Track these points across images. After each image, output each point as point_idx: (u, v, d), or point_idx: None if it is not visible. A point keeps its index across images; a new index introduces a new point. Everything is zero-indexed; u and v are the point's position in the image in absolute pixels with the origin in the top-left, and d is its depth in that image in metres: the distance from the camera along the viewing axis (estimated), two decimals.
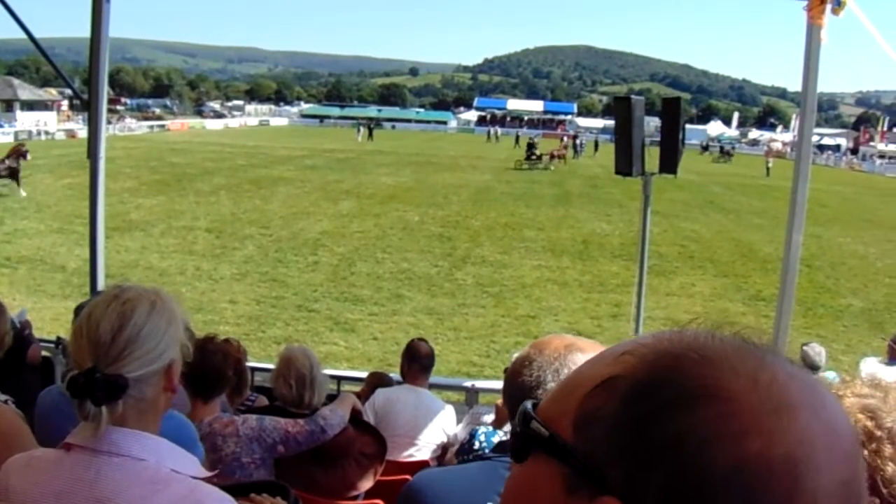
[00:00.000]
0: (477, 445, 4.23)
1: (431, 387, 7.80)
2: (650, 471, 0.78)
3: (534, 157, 61.25)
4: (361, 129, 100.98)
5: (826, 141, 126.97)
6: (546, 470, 0.87)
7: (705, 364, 0.83)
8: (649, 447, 0.79)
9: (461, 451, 4.60)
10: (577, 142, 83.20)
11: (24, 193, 33.26)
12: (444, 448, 6.56)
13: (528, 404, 0.94)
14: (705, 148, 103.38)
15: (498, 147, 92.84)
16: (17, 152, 34.69)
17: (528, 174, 53.87)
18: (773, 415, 0.78)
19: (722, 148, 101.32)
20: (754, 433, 0.77)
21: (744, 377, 0.81)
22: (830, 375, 8.61)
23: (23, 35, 8.49)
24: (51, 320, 14.73)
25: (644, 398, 0.82)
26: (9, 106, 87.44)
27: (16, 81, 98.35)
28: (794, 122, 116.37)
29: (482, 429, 4.49)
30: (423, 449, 6.43)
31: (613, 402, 0.83)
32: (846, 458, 0.80)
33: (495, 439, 4.16)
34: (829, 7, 6.51)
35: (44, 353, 7.25)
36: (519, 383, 2.28)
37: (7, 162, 34.10)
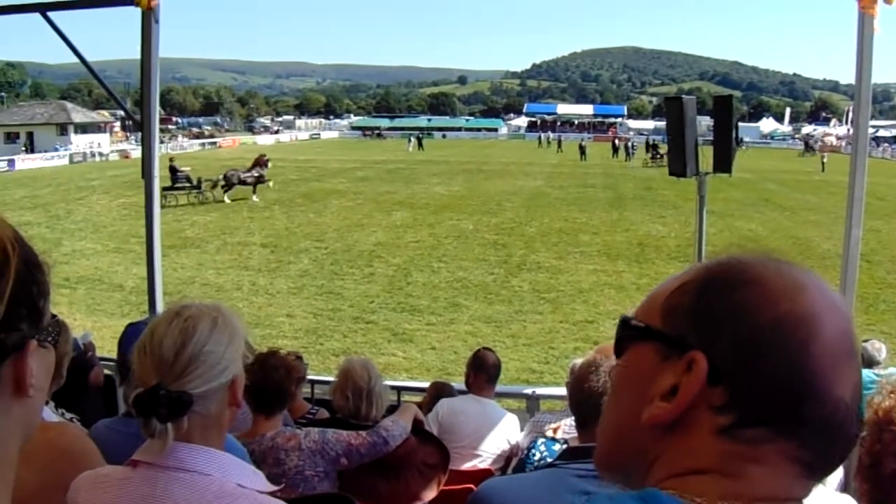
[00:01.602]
0: (538, 456, 4.19)
1: (493, 395, 7.79)
2: (720, 332, 1.12)
3: (658, 156, 65.61)
4: (412, 139, 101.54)
5: (882, 133, 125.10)
6: (644, 352, 1.20)
7: (746, 265, 1.18)
8: (717, 316, 1.13)
9: (520, 465, 4.55)
10: (629, 144, 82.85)
11: (256, 199, 39.44)
12: (507, 457, 6.52)
13: (626, 314, 1.28)
14: (808, 147, 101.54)
15: (549, 152, 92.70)
16: (260, 162, 41.84)
17: (582, 178, 53.66)
18: (793, 289, 1.13)
19: (806, 143, 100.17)
20: (783, 300, 1.11)
21: (772, 269, 1.16)
22: (894, 372, 8.49)
23: (75, 59, 8.60)
24: (111, 339, 14.86)
25: (709, 288, 1.17)
26: (63, 129, 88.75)
27: (69, 105, 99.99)
28: (848, 116, 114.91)
29: (541, 440, 4.45)
30: (486, 459, 6.39)
31: (689, 296, 1.18)
32: (842, 317, 1.14)
33: (556, 448, 4.12)
34: None
35: (106, 371, 7.32)
36: (587, 389, 2.27)
37: (253, 171, 41.08)
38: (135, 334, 4.38)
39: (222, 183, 40.07)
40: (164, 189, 35.08)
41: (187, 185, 40.03)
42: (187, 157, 73.43)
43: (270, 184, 42.08)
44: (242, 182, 40.29)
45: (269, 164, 42.31)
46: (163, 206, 32.65)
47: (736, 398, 1.10)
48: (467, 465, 6.24)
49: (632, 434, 1.20)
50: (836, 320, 1.12)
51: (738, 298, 1.12)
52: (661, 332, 1.19)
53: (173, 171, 39.54)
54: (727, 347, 1.11)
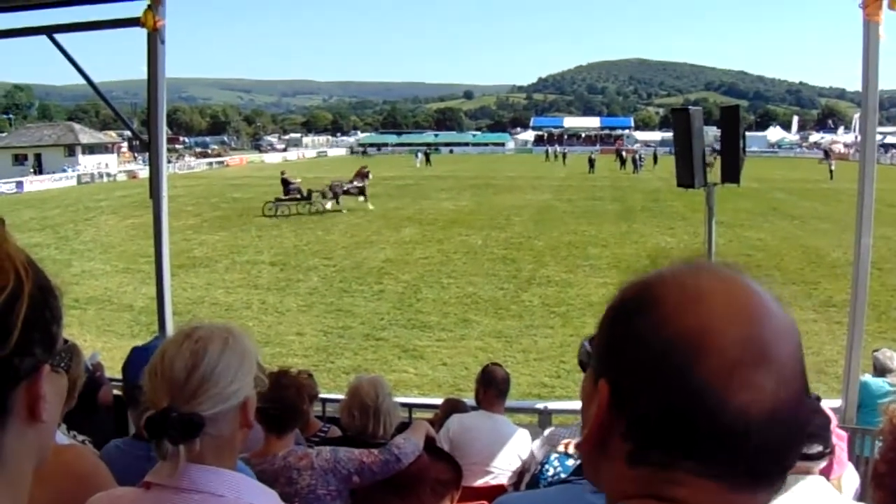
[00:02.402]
0: (551, 472, 4.16)
1: (505, 410, 7.76)
2: (620, 359, 1.14)
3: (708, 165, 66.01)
4: (419, 154, 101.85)
5: (889, 140, 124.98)
6: (587, 377, 1.25)
7: (650, 285, 1.17)
8: (618, 344, 1.16)
9: (533, 481, 4.52)
10: (637, 156, 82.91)
11: (371, 207, 42.71)
12: (519, 473, 6.50)
13: (586, 340, 1.33)
14: (826, 154, 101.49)
15: (557, 166, 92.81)
16: (361, 173, 44.82)
17: (590, 191, 53.64)
18: (687, 304, 1.10)
19: (826, 152, 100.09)
20: (674, 319, 1.09)
21: (675, 285, 1.14)
22: None
23: (82, 81, 8.64)
24: (120, 360, 14.85)
25: (616, 315, 1.20)
26: (71, 150, 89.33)
27: (77, 126, 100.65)
28: (855, 123, 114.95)
29: (555, 455, 4.42)
30: (498, 476, 6.35)
31: (603, 323, 1.23)
32: (746, 322, 1.09)
33: (570, 463, 4.09)
34: (885, 2, 6.42)
35: (116, 391, 7.33)
36: None
37: (356, 182, 44.18)
38: (139, 358, 4.39)
39: (329, 194, 43.09)
40: (276, 199, 42.52)
41: (298, 195, 42.93)
42: (195, 177, 73.93)
43: (371, 206, 43.67)
44: (346, 192, 43.44)
45: (371, 176, 45.45)
46: (275, 216, 39.05)
47: (634, 425, 1.11)
48: (479, 482, 6.22)
49: (587, 457, 1.24)
50: (737, 327, 1.09)
51: (636, 324, 1.13)
52: (583, 360, 1.31)
53: (285, 182, 43.54)
54: (625, 375, 1.13)
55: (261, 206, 42.88)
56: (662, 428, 1.08)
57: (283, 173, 45.78)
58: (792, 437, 1.11)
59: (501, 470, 6.37)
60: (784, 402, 1.08)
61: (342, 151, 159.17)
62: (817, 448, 3.26)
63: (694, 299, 1.11)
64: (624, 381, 1.12)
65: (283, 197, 42.94)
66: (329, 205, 42.54)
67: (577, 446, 1.21)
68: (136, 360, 4.59)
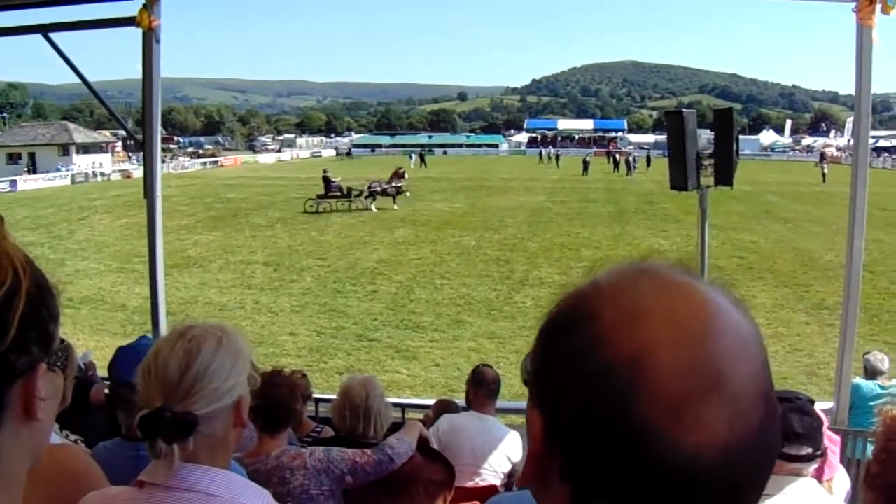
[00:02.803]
0: None
1: (498, 411, 7.75)
2: (550, 386, 1.01)
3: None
4: (413, 156, 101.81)
5: (882, 143, 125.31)
6: (529, 396, 1.08)
7: (586, 297, 1.02)
8: (549, 368, 1.02)
9: None
10: (630, 158, 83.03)
11: (396, 207, 43.86)
12: (510, 475, 6.49)
13: (528, 356, 1.14)
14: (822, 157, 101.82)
15: (550, 168, 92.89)
16: (398, 174, 46.62)
17: (583, 193, 53.67)
18: (626, 322, 0.95)
19: (822, 154, 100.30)
20: (610, 340, 0.94)
21: (607, 300, 0.99)
22: None
23: (76, 80, 8.63)
24: None
25: (548, 332, 1.06)
26: (65, 149, 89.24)
27: (71, 125, 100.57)
28: (848, 127, 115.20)
29: None
30: (488, 478, 6.34)
31: (536, 341, 1.08)
32: (692, 343, 0.93)
33: None
34: (878, 7, 6.45)
35: (107, 390, 7.32)
36: None
37: (393, 183, 45.71)
38: (125, 357, 4.38)
39: (366, 192, 44.49)
40: (318, 196, 44.42)
41: (338, 193, 44.79)
42: (190, 177, 73.88)
43: (408, 193, 46.63)
44: (384, 192, 44.78)
45: (406, 177, 47.61)
46: (317, 212, 42.65)
47: (570, 465, 0.98)
48: (469, 484, 6.20)
49: (532, 492, 1.10)
50: (682, 351, 0.92)
51: (568, 344, 0.99)
52: (526, 380, 1.12)
53: (327, 181, 45.15)
54: (556, 405, 1.00)
55: (255, 207, 43.10)
56: (601, 473, 0.94)
57: (325, 171, 47.33)
58: (754, 474, 0.97)
59: (492, 471, 6.35)
60: (741, 436, 0.93)
61: (335, 152, 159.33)
62: (807, 450, 3.26)
63: (631, 316, 0.95)
64: (554, 411, 0.99)
65: (325, 194, 44.59)
66: (371, 204, 43.82)
67: (518, 482, 1.13)
68: (122, 359, 4.59)
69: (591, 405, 0.93)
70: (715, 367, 0.93)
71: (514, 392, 13.16)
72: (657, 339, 0.93)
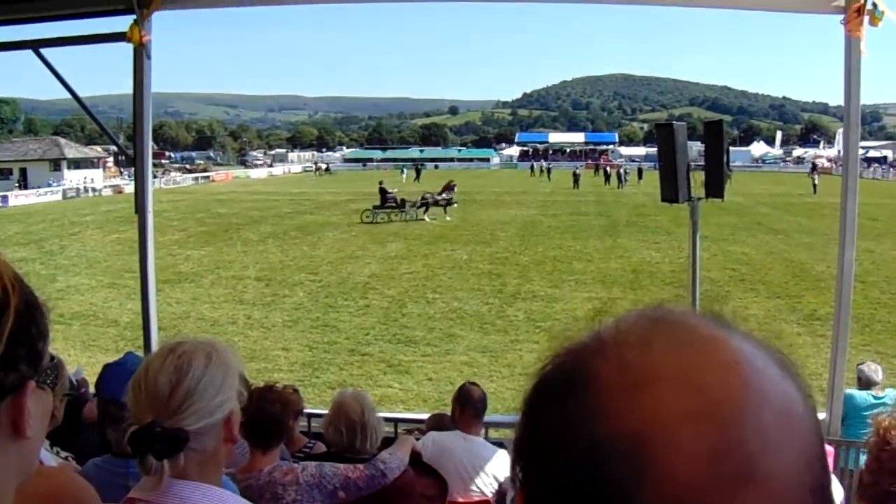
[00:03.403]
0: None
1: (489, 425, 7.72)
2: (537, 464, 0.81)
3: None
4: (405, 170, 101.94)
5: (872, 154, 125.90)
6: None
7: (584, 356, 0.82)
8: (535, 443, 0.82)
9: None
10: (621, 171, 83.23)
11: (449, 218, 45.50)
12: (501, 493, 6.43)
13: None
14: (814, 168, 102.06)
15: (542, 181, 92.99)
16: (449, 186, 49.02)
17: (575, 206, 53.76)
18: (626, 391, 0.74)
19: (813, 165, 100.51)
20: (604, 415, 0.74)
21: (613, 359, 0.78)
22: (891, 394, 8.52)
23: (67, 95, 8.63)
24: None
25: (535, 400, 0.86)
26: (56, 165, 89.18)
27: (62, 141, 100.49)
28: (839, 138, 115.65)
29: None
30: (474, 498, 6.30)
31: (522, 409, 0.87)
32: (716, 423, 0.70)
33: None
34: (866, 18, 6.48)
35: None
36: None
37: (444, 194, 47.98)
38: (112, 374, 4.36)
39: (419, 203, 46.64)
40: (374, 207, 46.06)
41: (394, 205, 46.69)
42: (181, 192, 73.80)
43: (456, 205, 48.58)
44: (436, 203, 46.89)
45: (456, 188, 49.84)
46: (373, 223, 44.25)
47: None
48: (460, 500, 6.16)
49: None
50: (703, 428, 0.70)
51: (557, 413, 0.79)
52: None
53: (383, 192, 47.34)
54: (541, 486, 0.81)
55: (246, 222, 43.17)
56: None
57: (380, 183, 49.33)
58: None
59: (479, 492, 6.30)
60: None
61: (323, 167, 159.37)
62: None
63: (637, 381, 0.75)
64: (539, 495, 0.80)
65: (381, 205, 46.50)
66: (425, 214, 45.86)
67: None
68: (109, 376, 4.56)
69: (581, 492, 0.74)
70: (746, 451, 0.70)
71: (507, 406, 13.16)
72: (669, 411, 0.71)
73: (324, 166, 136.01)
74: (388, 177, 67.63)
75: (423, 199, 46.86)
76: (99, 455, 4.14)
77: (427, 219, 45.06)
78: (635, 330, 0.82)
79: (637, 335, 0.80)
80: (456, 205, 48.71)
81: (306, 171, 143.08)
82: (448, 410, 7.74)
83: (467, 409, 6.62)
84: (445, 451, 6.28)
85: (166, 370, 2.13)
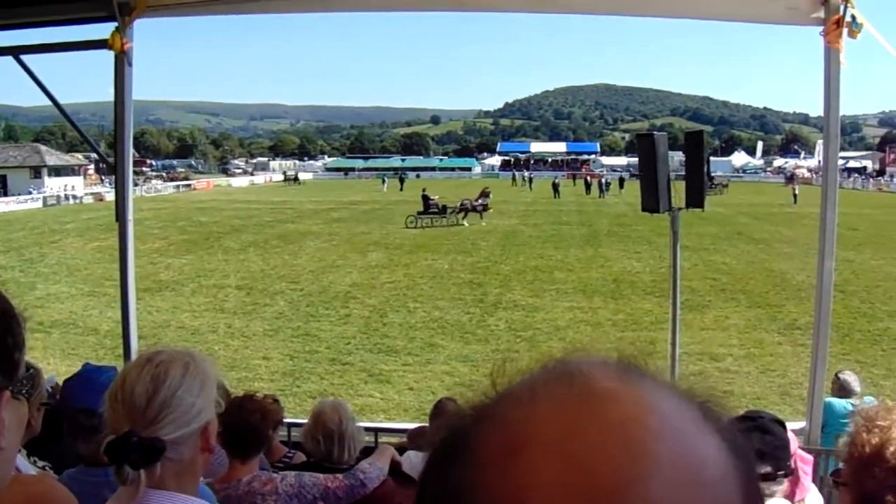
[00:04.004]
0: None
1: None
2: None
3: (713, 185, 73.89)
4: (386, 179, 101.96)
5: (852, 164, 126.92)
6: None
7: (474, 415, 0.76)
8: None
9: None
10: (602, 181, 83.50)
11: (484, 223, 48.25)
12: None
13: None
14: (790, 178, 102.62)
15: (524, 191, 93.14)
16: (484, 193, 52.82)
17: (556, 215, 53.92)
18: (504, 459, 0.68)
19: (789, 176, 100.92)
20: (481, 485, 0.68)
21: (498, 420, 0.72)
22: (869, 402, 8.55)
23: (48, 102, 8.59)
24: None
25: (428, 467, 0.78)
26: (37, 172, 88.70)
27: (43, 148, 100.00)
28: (819, 148, 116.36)
29: None
30: None
31: (421, 475, 0.80)
32: (592, 498, 0.63)
33: None
34: (845, 30, 6.52)
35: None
36: None
37: (480, 200, 51.30)
38: (75, 386, 4.32)
39: (459, 209, 49.92)
40: (418, 213, 49.01)
41: (436, 210, 49.79)
42: (162, 200, 73.64)
43: (491, 210, 51.32)
44: (473, 208, 50.10)
45: (491, 195, 53.22)
46: (416, 227, 46.84)
47: None
48: None
49: None
50: (573, 501, 0.63)
51: (441, 482, 0.73)
52: None
53: (426, 199, 50.72)
54: None
55: (227, 230, 43.17)
56: None
57: (424, 191, 53.56)
58: None
59: None
60: None
61: (309, 176, 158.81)
62: (766, 468, 3.26)
63: (513, 451, 0.68)
64: None
65: (424, 211, 49.55)
66: (464, 219, 49.01)
67: None
68: (73, 388, 4.51)
69: None
70: None
71: None
72: (540, 481, 0.65)
73: (292, 175, 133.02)
74: (370, 186, 67.55)
75: (461, 205, 50.08)
76: (76, 464, 4.12)
77: (466, 223, 47.84)
78: (526, 385, 0.76)
79: (526, 391, 0.74)
80: (491, 210, 51.30)
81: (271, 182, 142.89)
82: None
83: None
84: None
85: (143, 380, 2.12)
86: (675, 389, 0.74)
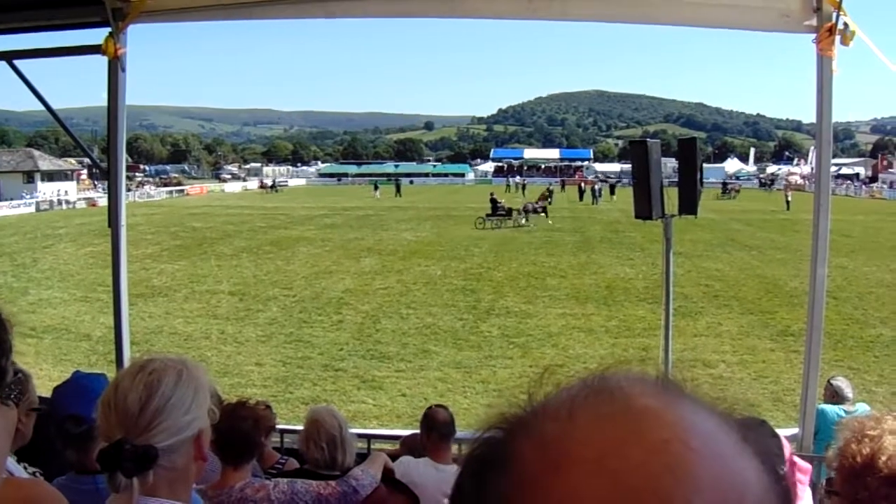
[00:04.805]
0: None
1: (464, 441, 7.68)
2: None
3: (727, 191, 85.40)
4: (379, 186, 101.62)
5: (844, 171, 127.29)
6: None
7: (513, 426, 0.76)
8: None
9: None
10: (595, 188, 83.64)
11: (550, 221, 53.15)
12: None
13: None
14: (763, 185, 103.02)
15: (517, 197, 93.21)
16: (544, 195, 58.84)
17: (548, 223, 54.04)
18: (544, 477, 0.67)
19: (724, 184, 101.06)
20: (518, 501, 0.68)
21: (536, 435, 0.72)
22: (862, 408, 8.56)
23: (41, 107, 8.58)
24: None
25: (462, 481, 0.79)
26: (30, 177, 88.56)
27: (36, 153, 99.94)
28: (812, 155, 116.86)
29: None
30: None
31: (455, 486, 0.81)
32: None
33: None
34: (838, 38, 6.53)
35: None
36: None
37: (540, 202, 56.34)
38: (64, 393, 4.31)
39: (522, 211, 53.93)
40: (487, 215, 52.76)
41: (502, 212, 53.40)
42: (155, 206, 73.59)
43: (550, 220, 53.41)
44: (535, 210, 54.34)
45: (551, 200, 58.61)
46: (484, 228, 50.37)
47: None
48: None
49: None
50: None
51: (481, 492, 0.73)
52: None
53: (493, 202, 54.67)
54: None
55: (220, 236, 43.30)
56: None
57: (491, 194, 57.45)
58: None
59: None
60: None
61: (302, 181, 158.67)
62: None
63: (553, 468, 0.67)
64: None
65: (492, 213, 53.17)
66: (526, 221, 52.67)
67: None
68: (62, 395, 4.49)
69: None
70: None
71: (480, 422, 13.11)
72: (581, 498, 0.65)
73: (269, 182, 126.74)
74: (362, 192, 67.54)
75: (524, 207, 54.40)
76: (69, 471, 4.10)
77: (532, 224, 51.75)
78: (566, 400, 0.74)
79: (565, 406, 0.73)
80: (545, 215, 54.20)
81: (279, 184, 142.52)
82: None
83: (433, 433, 6.45)
84: (417, 486, 6.10)
85: (136, 387, 2.12)
86: (715, 408, 0.74)
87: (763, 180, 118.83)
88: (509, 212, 53.50)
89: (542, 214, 54.25)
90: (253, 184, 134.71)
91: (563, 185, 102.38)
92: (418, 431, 8.08)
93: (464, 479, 0.78)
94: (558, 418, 0.71)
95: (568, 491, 0.65)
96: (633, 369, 0.78)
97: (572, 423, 0.70)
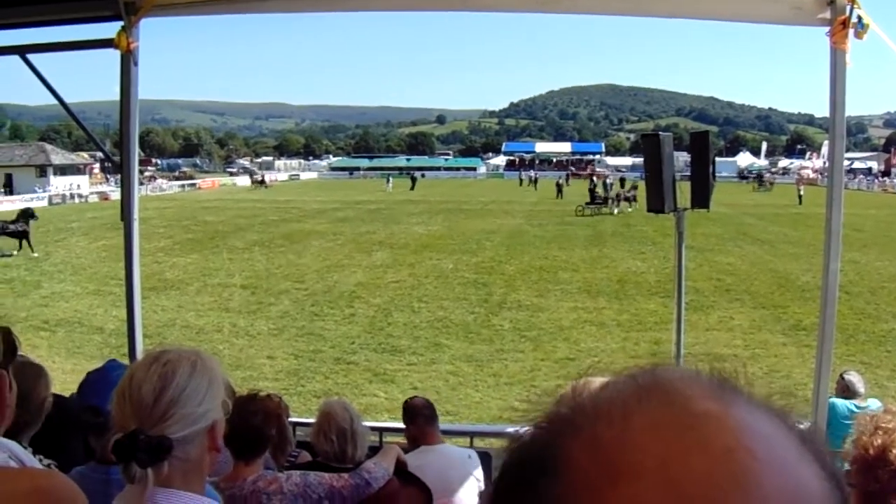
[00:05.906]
0: None
1: (475, 435, 7.70)
2: None
3: (763, 183, 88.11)
4: (391, 179, 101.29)
5: (857, 165, 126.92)
6: None
7: (562, 428, 0.71)
8: None
9: None
10: (605, 182, 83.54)
11: (630, 210, 56.78)
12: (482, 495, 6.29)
13: None
14: (743, 177, 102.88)
15: (528, 191, 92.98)
16: (634, 186, 60.62)
17: (560, 216, 53.93)
18: (599, 486, 0.64)
19: (760, 176, 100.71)
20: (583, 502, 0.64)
21: (587, 438, 0.68)
22: (874, 404, 8.54)
23: (54, 101, 8.59)
24: None
25: (503, 476, 0.74)
26: (42, 171, 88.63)
27: (48, 147, 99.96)
28: (824, 149, 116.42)
29: None
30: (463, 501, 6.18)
31: (490, 489, 0.76)
32: None
33: None
34: (851, 31, 6.49)
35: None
36: None
37: (631, 191, 59.28)
38: (93, 381, 4.32)
39: (615, 198, 59.67)
40: (586, 203, 57.86)
41: (600, 201, 59.06)
42: (167, 199, 73.63)
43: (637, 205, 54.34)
44: (626, 198, 59.38)
45: (638, 187, 57.51)
46: (583, 215, 55.49)
47: None
48: None
49: None
50: None
51: (528, 498, 0.70)
52: None
53: (592, 192, 60.68)
54: None
55: (232, 230, 43.41)
56: None
57: (592, 187, 62.76)
58: None
59: (465, 500, 6.17)
60: None
61: (314, 175, 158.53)
62: None
63: (611, 478, 0.64)
64: None
65: (590, 202, 58.65)
66: (617, 210, 57.35)
67: None
68: (90, 382, 4.51)
69: None
70: None
71: (492, 415, 13.16)
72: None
73: (259, 178, 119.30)
74: (374, 186, 67.56)
75: (617, 195, 60.37)
76: (84, 463, 4.11)
77: (615, 211, 57.15)
78: (617, 400, 0.70)
79: (618, 407, 0.69)
80: (636, 205, 55.07)
81: (292, 178, 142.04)
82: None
83: (418, 419, 6.45)
84: (423, 468, 6.00)
85: (150, 378, 2.13)
86: (772, 409, 0.72)
87: (754, 173, 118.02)
88: (605, 200, 59.62)
89: (630, 202, 58.44)
90: (244, 179, 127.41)
91: (567, 178, 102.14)
92: None
93: (505, 481, 0.73)
94: (612, 422, 0.68)
95: (628, 502, 0.62)
96: (685, 365, 0.76)
97: (628, 427, 0.67)
